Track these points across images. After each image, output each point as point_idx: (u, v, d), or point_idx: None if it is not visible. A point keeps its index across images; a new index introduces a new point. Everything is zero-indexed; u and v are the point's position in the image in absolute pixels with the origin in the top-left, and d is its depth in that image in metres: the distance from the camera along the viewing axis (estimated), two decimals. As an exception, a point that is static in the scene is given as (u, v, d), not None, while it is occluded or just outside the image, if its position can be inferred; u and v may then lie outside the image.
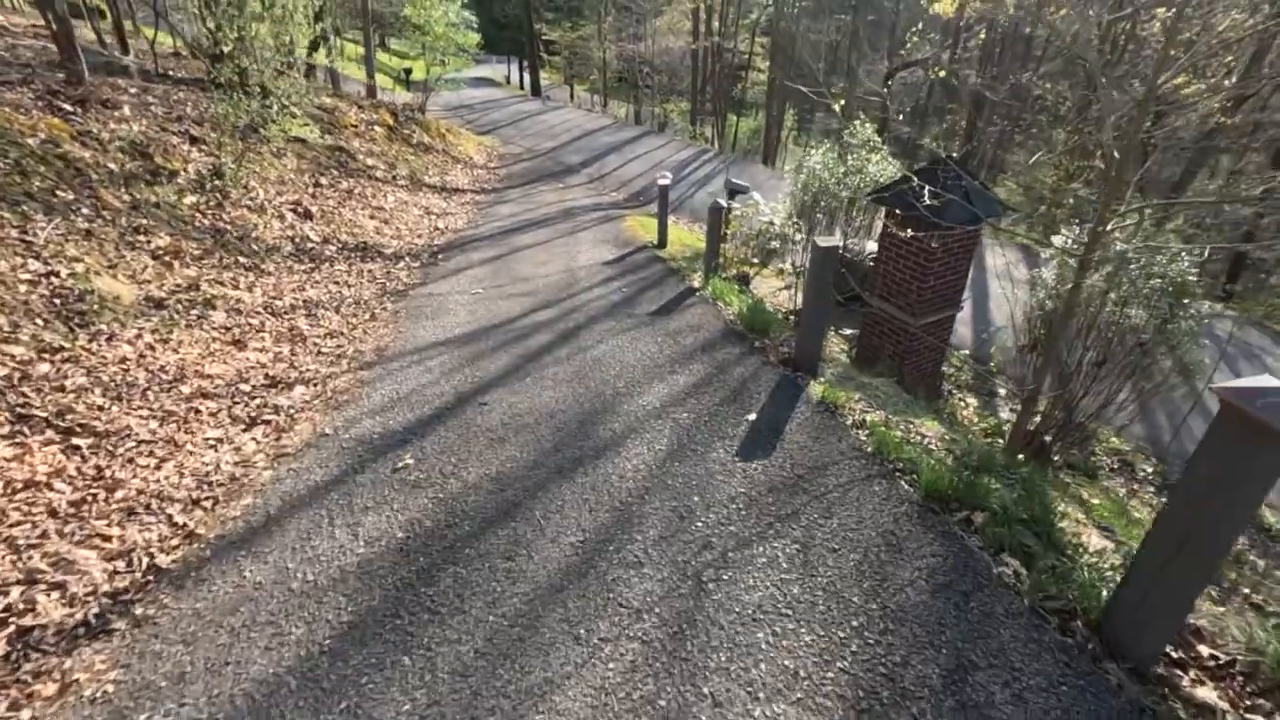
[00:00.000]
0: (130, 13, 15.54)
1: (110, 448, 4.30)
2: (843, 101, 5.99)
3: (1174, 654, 2.79)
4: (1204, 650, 2.81)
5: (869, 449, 4.41)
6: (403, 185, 13.69)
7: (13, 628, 3.00)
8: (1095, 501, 6.12)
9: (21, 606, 3.09)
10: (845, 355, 8.41)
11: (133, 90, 9.99)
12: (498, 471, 4.32)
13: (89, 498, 3.84)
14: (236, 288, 7.21)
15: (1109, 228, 5.13)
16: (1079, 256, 5.32)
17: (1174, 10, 4.62)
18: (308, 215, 9.92)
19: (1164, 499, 8.23)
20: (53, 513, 3.66)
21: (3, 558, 3.32)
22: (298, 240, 9.05)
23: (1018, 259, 14.60)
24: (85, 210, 6.68)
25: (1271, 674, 2.69)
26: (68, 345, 5.08)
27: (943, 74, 19.73)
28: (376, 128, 15.76)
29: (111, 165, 7.61)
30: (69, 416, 4.39)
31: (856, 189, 8.12)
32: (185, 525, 3.81)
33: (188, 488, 4.15)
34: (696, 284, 8.41)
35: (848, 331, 9.63)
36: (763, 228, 9.83)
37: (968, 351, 10.49)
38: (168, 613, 3.21)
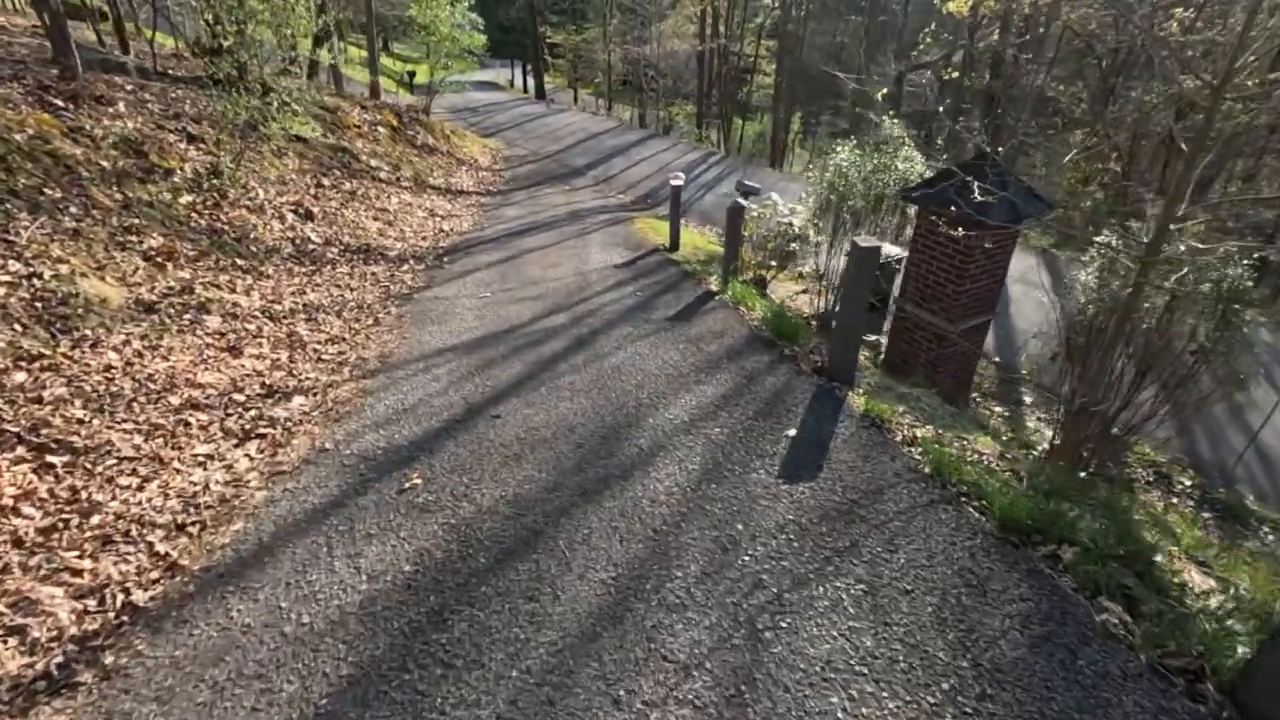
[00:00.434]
0: (132, 14, 15.22)
1: (88, 466, 3.90)
2: (885, 90, 5.59)
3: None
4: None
5: (926, 469, 4.00)
6: (407, 187, 13.32)
7: (-38, 681, 2.60)
8: (1178, 528, 5.70)
9: (-26, 655, 2.70)
10: (871, 363, 8.01)
11: (129, 87, 9.62)
12: (515, 493, 3.91)
13: (60, 524, 3.44)
14: (233, 291, 6.82)
15: (1175, 225, 4.73)
16: (1140, 257, 4.92)
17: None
18: (309, 216, 9.53)
19: (1206, 514, 7.85)
20: (17, 542, 3.26)
21: (-43, 596, 2.93)
22: (298, 242, 8.66)
23: (1035, 262, 14.22)
24: (74, 209, 6.30)
25: None
26: (47, 352, 4.69)
27: (955, 74, 19.36)
28: (380, 128, 15.40)
29: (104, 163, 7.23)
30: (44, 431, 3.99)
31: (885, 187, 7.72)
32: (167, 555, 3.41)
33: (172, 511, 3.75)
34: (714, 287, 8.01)
35: (870, 337, 9.22)
36: (782, 229, 9.42)
37: (997, 359, 10.07)
38: (142, 662, 2.81)
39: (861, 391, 5.25)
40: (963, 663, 2.69)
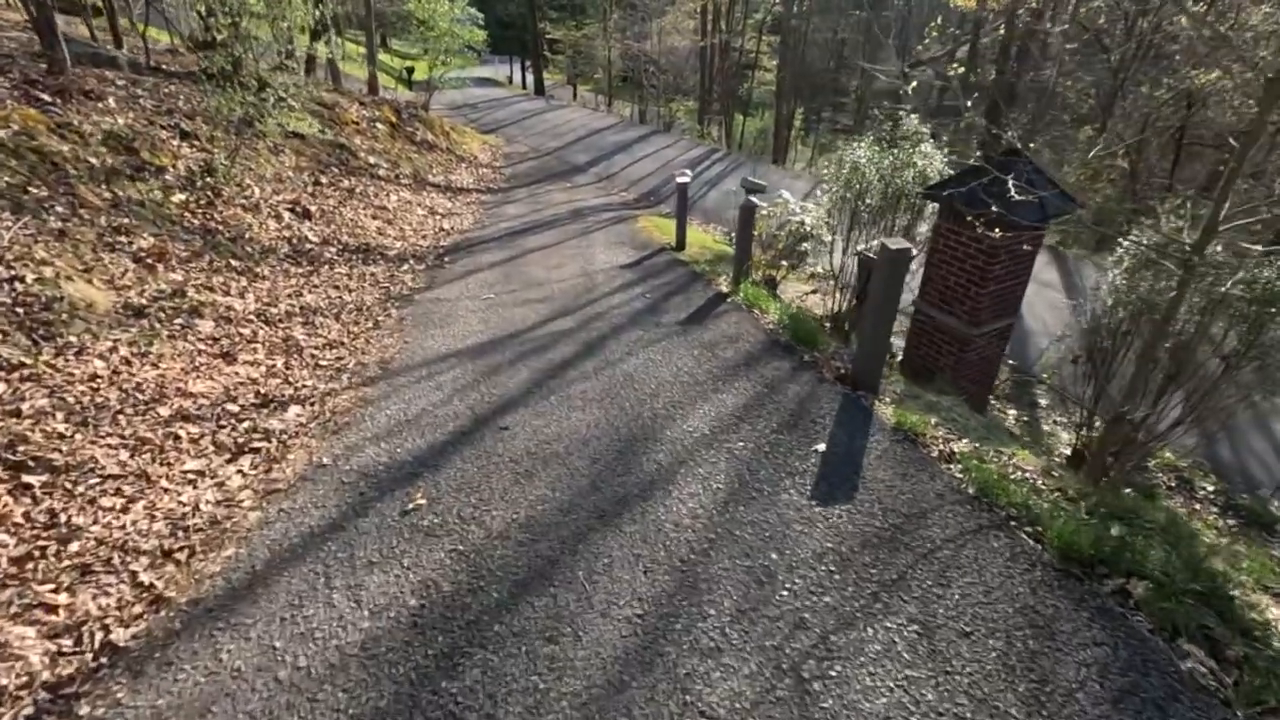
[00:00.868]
0: (128, 9, 14.91)
1: (68, 486, 3.63)
2: (915, 84, 5.32)
3: None
4: None
5: (969, 490, 3.73)
6: (406, 184, 13.04)
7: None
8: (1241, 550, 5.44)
9: (-66, 707, 2.43)
10: (887, 366, 7.74)
11: (120, 82, 9.33)
12: (527, 516, 3.64)
13: (36, 552, 3.17)
14: (227, 293, 6.54)
15: (1223, 226, 4.46)
16: (1185, 259, 4.65)
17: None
18: (306, 215, 9.25)
19: (1231, 521, 7.60)
20: (-12, 575, 2.99)
21: (-82, 637, 2.66)
22: (295, 241, 8.38)
23: (1045, 261, 13.97)
24: (60, 208, 6.02)
25: None
26: (29, 361, 4.41)
27: (960, 70, 19.07)
28: (379, 125, 15.11)
29: (92, 160, 6.95)
30: (21, 448, 3.72)
31: (905, 184, 7.44)
32: (151, 587, 3.14)
33: (159, 535, 3.48)
34: (724, 289, 7.76)
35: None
36: (793, 228, 9.15)
37: (1012, 361, 9.81)
38: (121, 713, 2.54)
39: (889, 401, 4.98)
40: (1038, 721, 2.42)
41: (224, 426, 4.60)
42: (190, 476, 4.02)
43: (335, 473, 4.16)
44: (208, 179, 8.07)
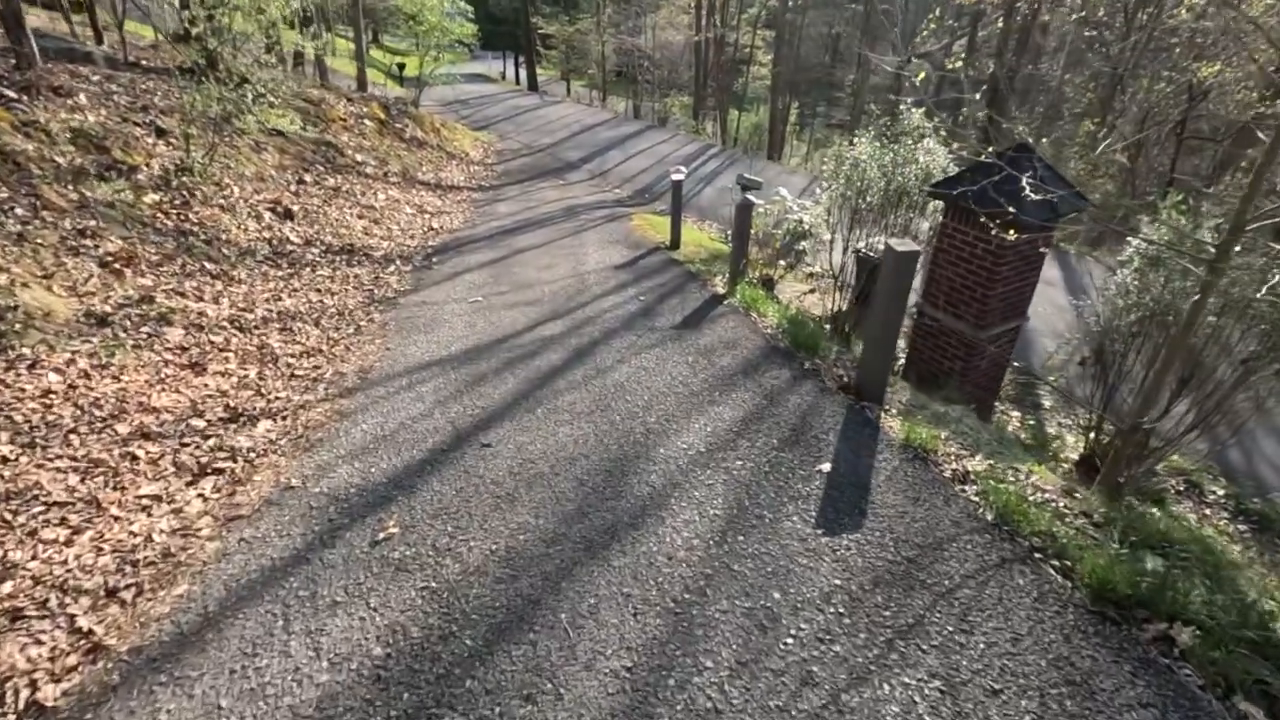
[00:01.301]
0: (112, 6, 14.58)
1: (7, 516, 3.33)
2: (923, 74, 5.03)
3: None
4: None
5: (988, 516, 3.44)
6: (394, 182, 12.72)
7: None
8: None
9: None
10: (891, 374, 7.46)
11: (94, 78, 9.01)
12: (508, 547, 3.34)
13: (-38, 595, 2.87)
14: (200, 299, 6.24)
15: (1252, 225, 4.17)
16: (1209, 260, 4.37)
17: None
18: (288, 215, 8.93)
19: (1242, 526, 7.34)
20: (-96, 624, 2.70)
21: None
22: (275, 243, 8.07)
23: (1046, 259, 13.68)
24: (20, 210, 5.72)
25: None
26: (-26, 377, 4.12)
27: (959, 64, 18.78)
28: (367, 121, 14.77)
29: (59, 159, 6.64)
30: (-43, 475, 3.42)
31: (907, 181, 7.15)
32: (90, 633, 2.84)
33: (104, 571, 3.18)
34: (720, 290, 7.47)
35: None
36: (791, 226, 8.87)
37: (1016, 362, 9.53)
38: (40, 791, 2.25)
39: (895, 413, 4.69)
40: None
41: (187, 444, 4.30)
42: (145, 502, 3.72)
43: (304, 496, 3.86)
44: (183, 178, 7.75)
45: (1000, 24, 20.71)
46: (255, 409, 4.87)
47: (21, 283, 5.02)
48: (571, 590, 3.02)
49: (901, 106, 7.39)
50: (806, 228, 8.78)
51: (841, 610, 2.86)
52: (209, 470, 4.11)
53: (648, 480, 3.88)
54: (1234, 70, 15.53)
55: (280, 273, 7.45)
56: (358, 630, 2.84)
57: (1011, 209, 4.65)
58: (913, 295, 6.53)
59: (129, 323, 5.37)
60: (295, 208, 9.19)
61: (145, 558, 3.31)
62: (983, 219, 4.89)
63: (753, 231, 8.82)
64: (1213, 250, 4.42)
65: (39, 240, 5.58)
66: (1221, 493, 8.02)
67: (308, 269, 7.82)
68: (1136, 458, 5.92)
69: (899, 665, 2.59)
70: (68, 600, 2.97)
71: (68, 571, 3.12)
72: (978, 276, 6.20)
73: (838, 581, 3.03)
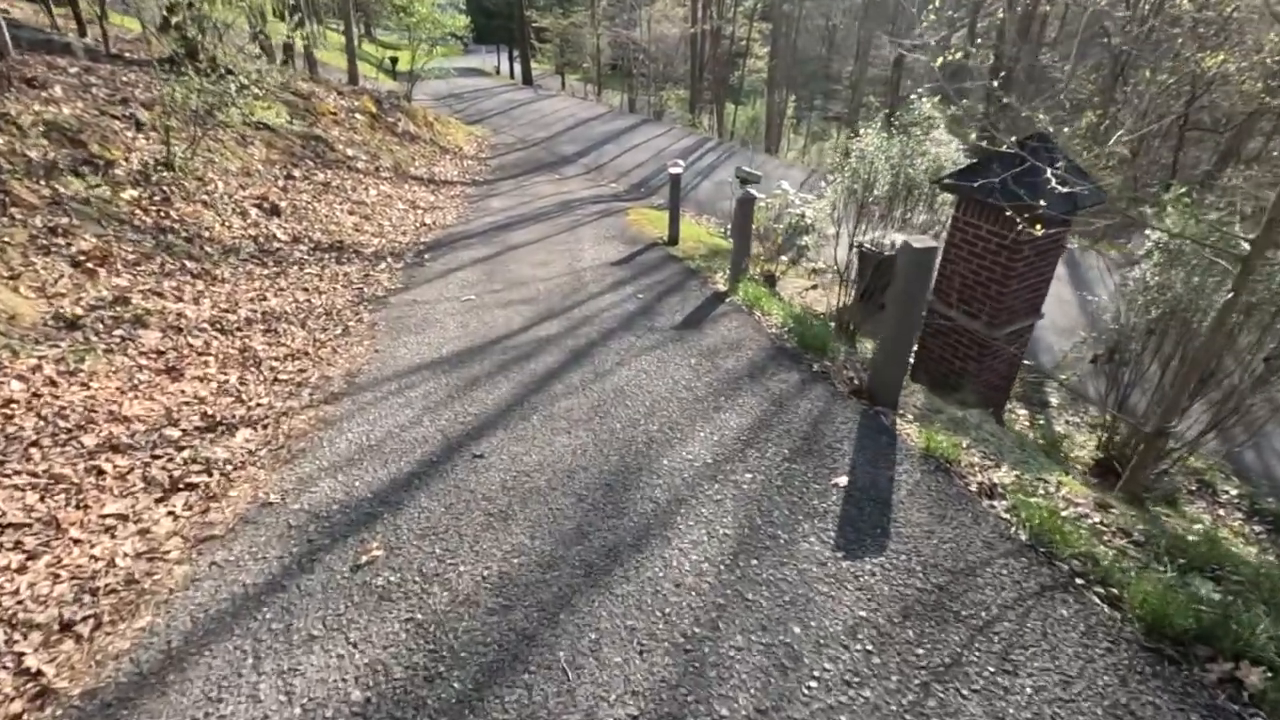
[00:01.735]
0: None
1: (-44, 542, 3.06)
2: (941, 60, 4.76)
3: None
4: None
5: (1021, 536, 3.17)
6: (386, 177, 12.42)
7: None
8: None
9: None
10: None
11: (72, 70, 8.71)
12: (501, 572, 3.07)
13: (-103, 634, 2.60)
14: (179, 299, 5.96)
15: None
16: (1243, 256, 4.11)
17: None
18: (275, 211, 8.64)
19: (1257, 527, 7.12)
20: None
21: None
22: (261, 240, 7.78)
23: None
24: (-14, 208, 5.44)
25: None
26: (-72, 387, 3.84)
27: (959, 55, 18.48)
28: (358, 115, 14.46)
29: (30, 153, 6.36)
30: (-97, 495, 3.15)
31: (917, 174, 6.89)
32: (39, 674, 2.57)
33: (60, 601, 2.91)
34: (722, 287, 7.20)
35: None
36: (794, 221, 8.60)
37: (1029, 361, 9.30)
38: None
39: (911, 418, 4.43)
40: None
41: (159, 457, 4.03)
42: (109, 522, 3.45)
43: (282, 513, 3.59)
44: (164, 173, 7.46)
45: (1001, 14, 20.42)
46: (234, 417, 4.60)
47: (-15, 284, 4.74)
48: (570, 623, 2.75)
49: (912, 96, 7.12)
50: (809, 222, 8.52)
51: (869, 647, 2.59)
52: (181, 485, 3.83)
53: (651, 495, 3.61)
54: (1237, 61, 15.30)
55: (266, 271, 7.17)
56: (335, 670, 2.58)
57: (1036, 202, 4.39)
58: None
59: (101, 325, 5.09)
60: (283, 203, 8.90)
61: (106, 585, 3.04)
62: (1008, 213, 4.62)
63: (754, 226, 8.56)
64: (1246, 246, 4.16)
65: (6, 239, 5.30)
66: (1234, 493, 7.81)
67: (295, 267, 7.54)
68: (1156, 461, 5.67)
69: (938, 715, 2.32)
70: (16, 636, 2.70)
71: (18, 603, 2.85)
72: (992, 273, 5.95)
73: (863, 613, 2.76)
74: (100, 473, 3.79)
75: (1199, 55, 15.49)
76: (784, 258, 9.29)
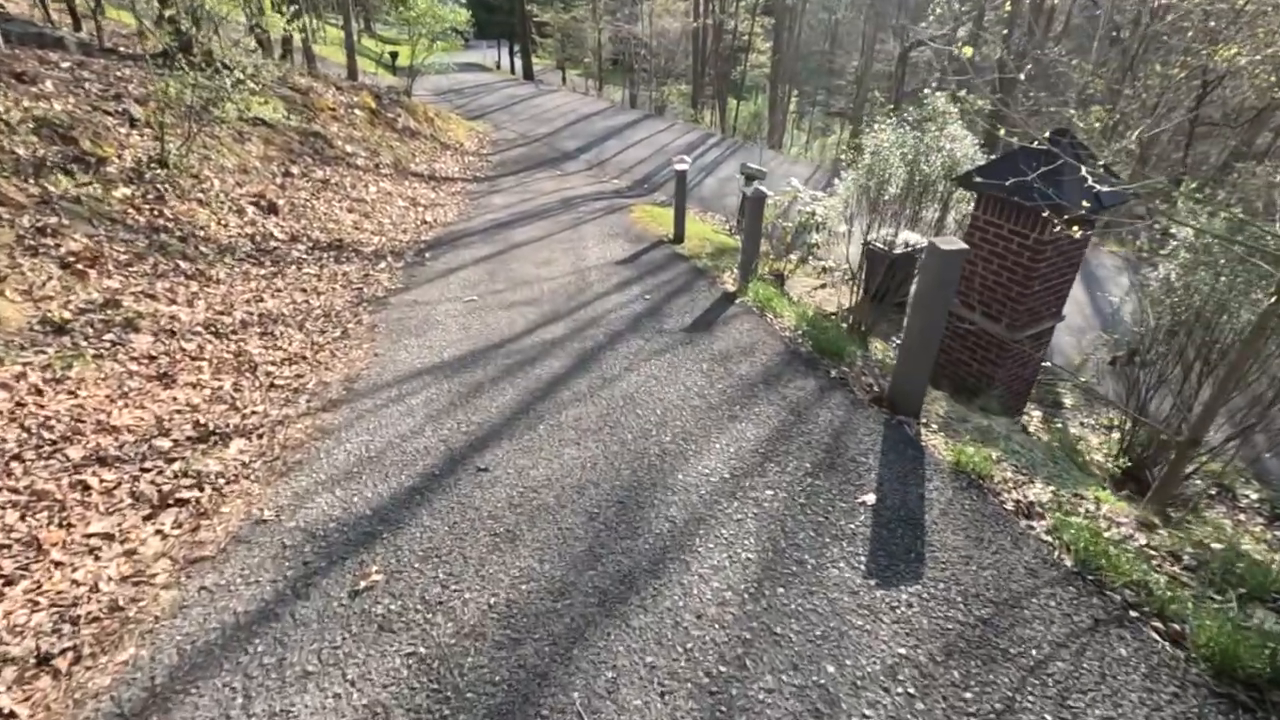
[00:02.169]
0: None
1: (-72, 567, 2.87)
2: (970, 51, 4.55)
3: None
4: None
5: (1066, 561, 2.97)
6: (386, 174, 12.21)
7: None
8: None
9: None
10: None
11: (65, 65, 8.50)
12: (508, 600, 2.87)
13: None
14: (173, 301, 5.76)
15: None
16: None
17: None
18: (272, 209, 8.43)
19: (1279, 531, 6.94)
20: None
21: None
22: (258, 239, 7.58)
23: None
24: (-29, 207, 5.24)
25: None
26: (-95, 397, 3.65)
27: (965, 51, 18.22)
28: (357, 111, 14.24)
29: (19, 150, 6.15)
30: (-128, 516, 2.95)
31: (933, 171, 6.68)
32: (11, 716, 2.38)
33: (38, 632, 2.71)
34: (731, 287, 7.00)
35: (897, 341, 8.17)
36: (804, 219, 8.40)
37: (1046, 364, 9.10)
38: None
39: (936, 428, 4.24)
40: None
41: (148, 470, 3.84)
42: (94, 543, 3.25)
43: (277, 532, 3.40)
44: (158, 171, 7.26)
45: (1009, 6, 20.13)
46: (229, 426, 4.41)
47: (-32, 288, 4.54)
48: (584, 659, 2.55)
49: (925, 91, 6.91)
50: (819, 220, 8.32)
51: (912, 690, 2.39)
52: (171, 501, 3.64)
53: (667, 514, 3.41)
54: (1249, 55, 15.08)
55: (263, 271, 6.97)
56: (331, 712, 2.38)
57: (1065, 201, 4.19)
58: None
59: (91, 330, 4.89)
60: (280, 201, 8.70)
61: (88, 613, 2.85)
62: (1045, 214, 4.42)
63: (762, 224, 8.36)
64: None
65: (-8, 240, 5.11)
66: (1255, 496, 7.61)
67: (293, 267, 7.34)
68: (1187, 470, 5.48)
69: (992, 772, 2.13)
70: (-11, 673, 2.51)
71: (-8, 636, 2.66)
72: (1014, 274, 5.75)
73: (902, 650, 2.56)
74: (86, 488, 3.59)
75: (1210, 49, 15.29)
76: (793, 256, 9.09)
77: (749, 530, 3.26)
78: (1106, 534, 3.09)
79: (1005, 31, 21.64)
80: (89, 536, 3.29)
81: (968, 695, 2.37)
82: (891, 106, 7.31)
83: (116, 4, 13.77)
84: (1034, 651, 2.53)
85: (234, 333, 5.67)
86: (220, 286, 6.34)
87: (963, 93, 5.92)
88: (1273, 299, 3.98)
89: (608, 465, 3.87)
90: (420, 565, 3.11)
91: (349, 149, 12.16)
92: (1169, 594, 2.66)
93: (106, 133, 7.30)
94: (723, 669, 2.50)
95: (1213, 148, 21.83)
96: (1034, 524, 3.22)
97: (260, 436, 4.37)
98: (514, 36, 39.20)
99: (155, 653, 2.68)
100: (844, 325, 7.50)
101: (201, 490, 3.75)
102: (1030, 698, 2.35)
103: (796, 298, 8.27)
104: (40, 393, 4.18)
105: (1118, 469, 5.74)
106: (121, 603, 2.93)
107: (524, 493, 3.64)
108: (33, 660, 2.60)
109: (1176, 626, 2.55)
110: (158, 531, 3.41)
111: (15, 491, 3.41)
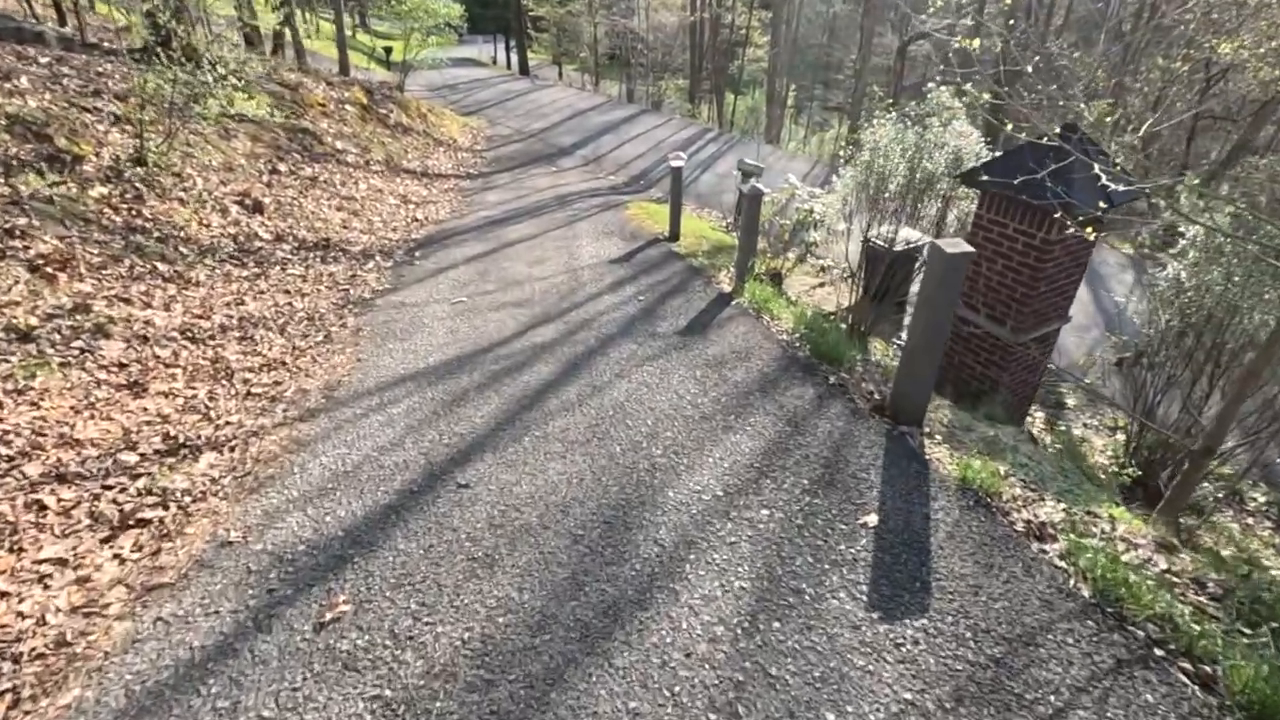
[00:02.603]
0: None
1: None
2: (977, 43, 4.35)
3: None
4: None
5: (1083, 591, 2.76)
6: (377, 171, 11.98)
7: None
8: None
9: None
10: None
11: (43, 60, 8.27)
12: (483, 635, 2.67)
13: None
14: (148, 305, 5.55)
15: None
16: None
17: None
18: (258, 208, 8.21)
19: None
20: None
21: None
22: (242, 239, 7.36)
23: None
24: (-65, 209, 5.03)
25: None
26: None
27: (969, 44, 17.98)
28: (348, 107, 14.00)
29: (-11, 149, 5.94)
30: None
31: (937, 168, 6.47)
32: (-63, 772, 2.18)
33: (-24, 672, 2.51)
34: (727, 287, 6.81)
35: (897, 341, 7.97)
36: (802, 216, 8.19)
37: (1052, 366, 8.91)
38: None
39: (940, 439, 4.04)
40: None
41: (111, 487, 3.64)
42: (45, 569, 3.05)
43: (242, 555, 3.20)
44: (138, 169, 7.04)
45: (1008, 1, 19.91)
46: (200, 438, 4.20)
47: (-74, 294, 4.34)
48: (563, 705, 2.34)
49: (929, 85, 6.70)
50: (818, 217, 8.11)
51: (919, 743, 2.19)
52: (132, 522, 3.44)
53: (655, 535, 3.21)
54: (1252, 47, 14.86)
55: (245, 273, 6.76)
56: (285, 767, 2.18)
57: (1074, 199, 3.99)
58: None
59: (58, 337, 4.68)
60: (267, 200, 8.48)
61: (32, 649, 2.64)
62: (1057, 215, 4.21)
63: (760, 222, 8.16)
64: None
65: (-45, 243, 4.90)
66: (1263, 499, 7.44)
67: (277, 268, 7.13)
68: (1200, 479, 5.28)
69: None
70: (-84, 721, 2.31)
71: (-74, 676, 2.46)
72: (1019, 274, 5.55)
73: (908, 695, 2.35)
74: (42, 508, 3.39)
75: (1213, 41, 15.07)
76: (791, 254, 8.89)
77: (743, 555, 3.06)
78: (1124, 558, 2.89)
79: (1011, 21, 21.44)
80: (40, 562, 3.09)
81: (981, 751, 2.18)
82: (890, 101, 7.10)
83: (104, -1, 13.51)
84: (1052, 697, 2.32)
85: (212, 338, 5.46)
86: (199, 289, 6.14)
87: (967, 85, 5.71)
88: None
89: (595, 481, 3.67)
90: (392, 594, 2.91)
91: (339, 145, 11.94)
92: (1197, 629, 2.47)
93: (84, 130, 7.09)
94: (713, 717, 2.30)
95: (1213, 143, 21.63)
96: (1046, 547, 3.01)
97: (233, 449, 4.17)
98: (509, 31, 38.89)
99: (102, 694, 2.48)
100: (843, 326, 7.29)
101: (166, 509, 3.55)
102: (1049, 753, 2.16)
103: (794, 297, 8.08)
104: (-1, 405, 3.97)
105: (1128, 478, 5.54)
106: (69, 637, 2.73)
107: (505, 511, 3.44)
108: (-34, 705, 2.40)
109: (1207, 668, 2.35)
110: (116, 556, 3.21)
111: (-36, 514, 3.21)
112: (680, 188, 8.70)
